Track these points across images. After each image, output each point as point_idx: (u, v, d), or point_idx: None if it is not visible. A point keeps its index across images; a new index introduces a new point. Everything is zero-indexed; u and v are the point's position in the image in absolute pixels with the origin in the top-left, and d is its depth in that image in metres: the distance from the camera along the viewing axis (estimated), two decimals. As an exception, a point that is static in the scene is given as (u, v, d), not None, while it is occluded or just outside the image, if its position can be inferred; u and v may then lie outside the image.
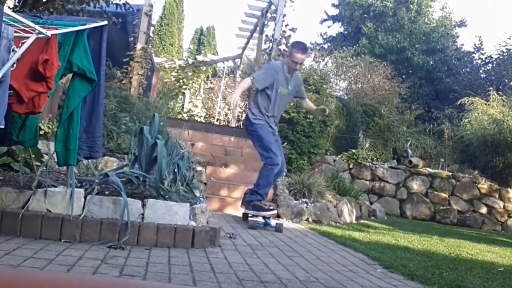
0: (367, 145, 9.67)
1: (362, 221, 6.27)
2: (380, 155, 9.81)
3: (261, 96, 4.33)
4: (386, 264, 3.06)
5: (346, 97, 11.66)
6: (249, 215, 4.37)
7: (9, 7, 4.45)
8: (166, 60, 14.15)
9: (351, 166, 8.57)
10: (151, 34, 8.49)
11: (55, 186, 2.74)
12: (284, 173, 4.31)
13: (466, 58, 16.35)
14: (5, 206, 2.58)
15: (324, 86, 8.39)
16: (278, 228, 4.10)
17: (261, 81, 4.26)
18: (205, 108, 14.58)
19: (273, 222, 4.29)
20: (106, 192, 2.89)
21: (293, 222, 5.03)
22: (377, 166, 8.78)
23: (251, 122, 4.32)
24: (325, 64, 13.39)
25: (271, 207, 4.38)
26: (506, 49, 15.12)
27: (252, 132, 4.36)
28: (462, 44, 17.44)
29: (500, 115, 9.57)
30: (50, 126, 4.27)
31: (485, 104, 10.16)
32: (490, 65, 15.56)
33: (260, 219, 4.28)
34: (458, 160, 10.60)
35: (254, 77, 4.34)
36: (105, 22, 2.63)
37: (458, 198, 8.88)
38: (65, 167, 2.95)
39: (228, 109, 14.80)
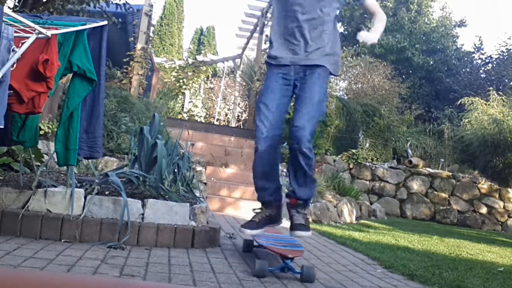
0: (367, 145, 9.66)
1: (362, 221, 6.27)
2: (380, 155, 9.81)
3: (278, 8, 2.61)
4: (386, 264, 3.07)
5: (346, 97, 11.65)
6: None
7: (9, 7, 4.44)
8: (166, 60, 14.16)
9: (351, 166, 8.57)
10: (151, 34, 8.49)
11: (55, 186, 2.74)
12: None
13: (466, 58, 16.33)
14: (5, 206, 2.58)
15: (324, 86, 8.38)
16: (308, 277, 2.33)
17: None
18: (205, 108, 14.58)
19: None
20: (106, 192, 2.89)
21: (293, 222, 5.02)
22: (377, 166, 8.77)
23: (267, 62, 2.67)
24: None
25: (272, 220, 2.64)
26: (506, 49, 15.10)
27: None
28: (462, 44, 17.44)
29: (500, 115, 9.56)
30: (50, 126, 4.27)
31: (485, 104, 10.15)
32: (490, 65, 15.54)
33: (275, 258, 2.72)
34: (458, 160, 10.59)
35: None
36: (105, 22, 2.63)
37: (458, 198, 8.87)
38: (65, 167, 2.95)
39: (228, 109, 14.79)
